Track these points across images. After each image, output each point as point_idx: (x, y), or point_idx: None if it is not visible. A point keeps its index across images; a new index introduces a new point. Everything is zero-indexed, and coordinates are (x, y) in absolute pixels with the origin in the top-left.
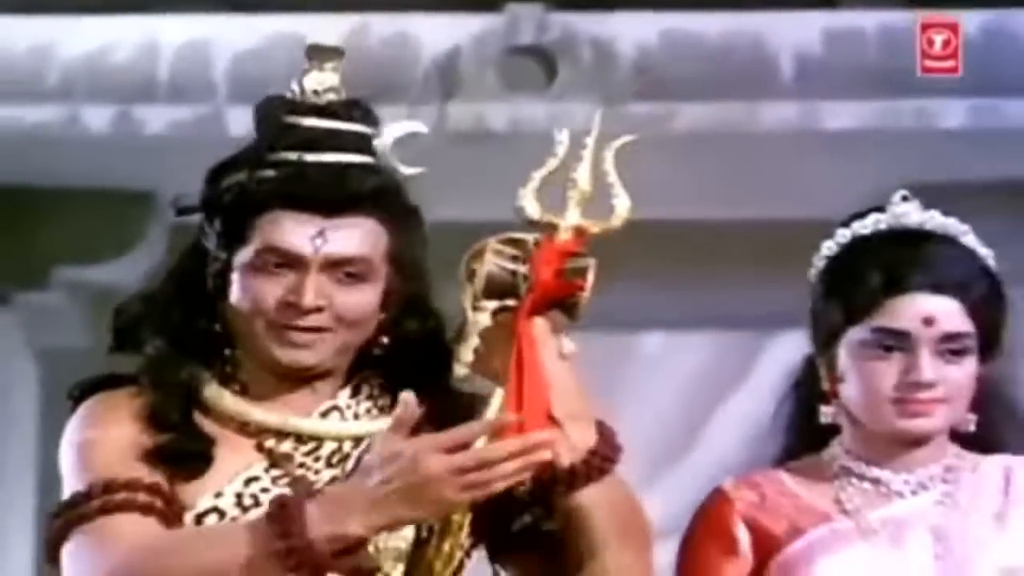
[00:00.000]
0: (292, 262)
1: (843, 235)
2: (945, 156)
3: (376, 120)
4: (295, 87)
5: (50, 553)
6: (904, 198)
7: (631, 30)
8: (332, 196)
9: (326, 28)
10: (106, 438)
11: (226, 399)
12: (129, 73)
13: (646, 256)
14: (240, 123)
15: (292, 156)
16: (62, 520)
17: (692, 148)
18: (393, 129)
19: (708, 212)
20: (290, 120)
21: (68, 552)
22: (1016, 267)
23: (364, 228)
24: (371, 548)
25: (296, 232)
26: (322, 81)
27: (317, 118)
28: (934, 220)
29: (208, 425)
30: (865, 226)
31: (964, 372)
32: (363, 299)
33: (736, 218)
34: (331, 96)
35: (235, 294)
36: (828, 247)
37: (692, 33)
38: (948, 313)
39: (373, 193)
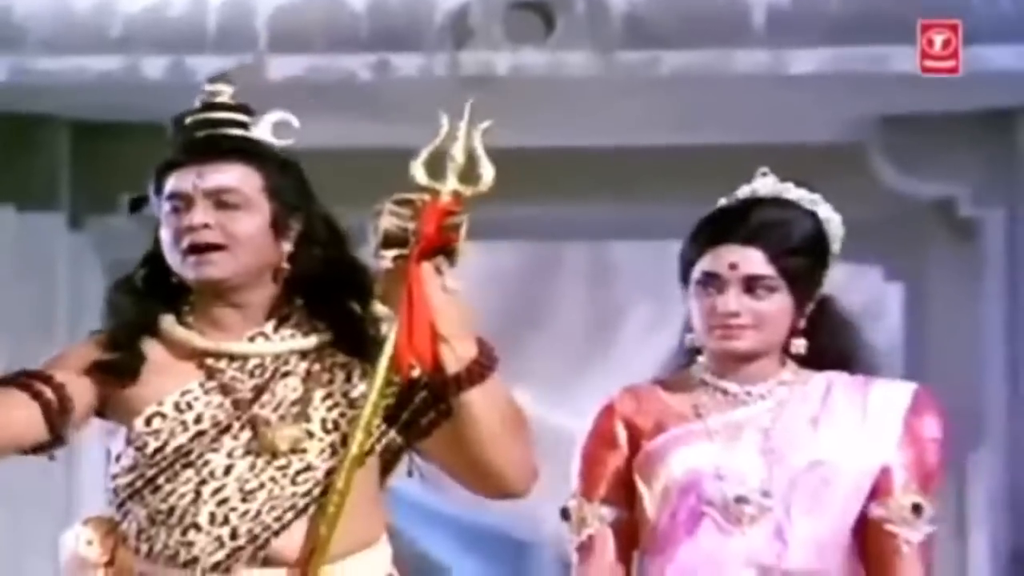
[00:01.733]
0: (184, 200)
1: (722, 201)
2: (889, 96)
3: (253, 112)
4: (196, 102)
5: None
6: (764, 174)
7: None
8: (205, 149)
9: None
10: (70, 352)
11: (177, 331)
12: (181, 26)
13: (640, 176)
14: (278, 70)
15: (184, 138)
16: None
17: (675, 89)
18: (271, 116)
19: (688, 140)
20: (185, 120)
21: None
22: (977, 193)
23: (234, 170)
24: (287, 430)
25: (182, 178)
26: (213, 93)
27: (203, 112)
28: (770, 188)
29: (160, 351)
30: (731, 197)
31: (770, 306)
32: (245, 221)
33: (713, 143)
34: (217, 98)
35: (164, 242)
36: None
37: None
38: (751, 260)
39: (240, 145)
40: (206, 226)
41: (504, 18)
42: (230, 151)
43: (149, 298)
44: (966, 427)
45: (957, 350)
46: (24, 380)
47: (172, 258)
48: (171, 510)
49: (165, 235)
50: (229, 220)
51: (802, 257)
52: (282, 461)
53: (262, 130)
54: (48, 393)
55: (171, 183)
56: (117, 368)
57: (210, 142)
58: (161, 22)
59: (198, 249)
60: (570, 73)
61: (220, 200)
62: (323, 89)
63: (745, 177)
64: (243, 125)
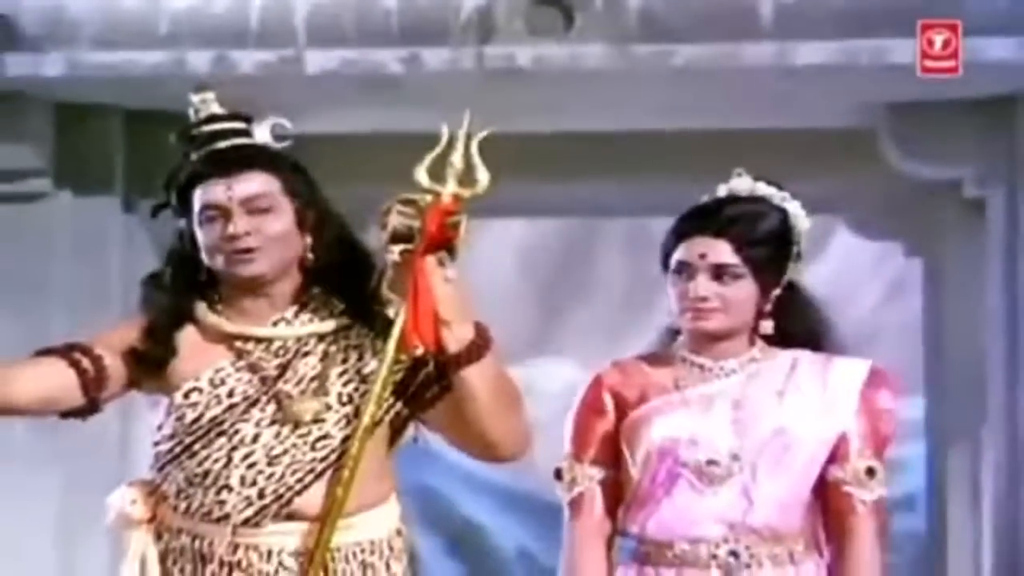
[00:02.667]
0: (219, 210)
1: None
2: (892, 85)
3: (250, 118)
4: (192, 111)
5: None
6: (739, 175)
7: None
8: (228, 164)
9: None
10: (113, 332)
11: (210, 317)
12: (224, 22)
13: (654, 158)
14: (316, 64)
15: (202, 151)
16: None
17: (687, 80)
18: (267, 122)
19: (698, 125)
20: (195, 132)
21: None
22: (980, 175)
23: (257, 178)
24: (308, 403)
25: (212, 191)
26: (207, 104)
27: (209, 125)
28: (745, 187)
29: (195, 334)
30: (710, 195)
31: (736, 291)
32: (276, 223)
33: (719, 128)
34: (214, 109)
35: (200, 246)
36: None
37: None
38: (719, 250)
39: (257, 153)
40: (247, 233)
41: (526, 14)
42: (249, 160)
43: (182, 291)
44: (978, 398)
45: (969, 323)
46: (66, 350)
47: (215, 260)
48: (206, 473)
49: (206, 240)
50: (262, 223)
51: (766, 248)
52: (303, 430)
53: (262, 134)
54: (85, 363)
55: (203, 195)
56: (149, 358)
57: (230, 154)
58: (205, 19)
59: (240, 251)
60: (588, 65)
61: (252, 207)
62: (356, 81)
63: (756, 159)
64: (246, 133)
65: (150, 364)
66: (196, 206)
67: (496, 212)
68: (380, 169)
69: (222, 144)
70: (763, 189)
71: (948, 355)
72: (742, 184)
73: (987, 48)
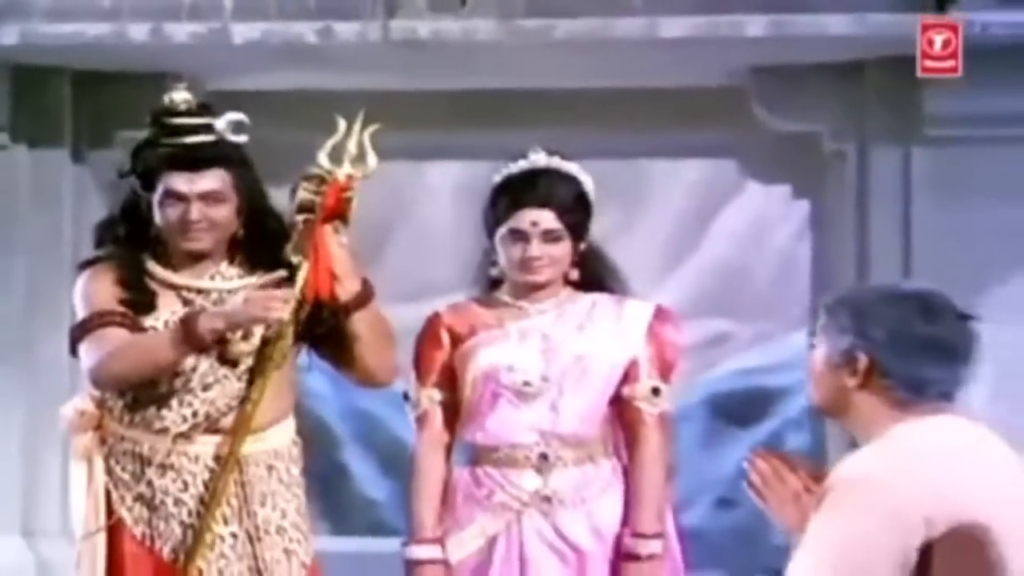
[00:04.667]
0: (180, 198)
1: (505, 171)
2: (751, 53)
3: (214, 112)
4: (166, 99)
5: (72, 351)
6: (535, 151)
7: None
8: (195, 162)
9: None
10: (98, 288)
11: (159, 271)
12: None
13: (547, 111)
14: (241, 35)
15: (173, 142)
16: (79, 331)
17: (568, 51)
18: (227, 116)
19: (573, 84)
20: (167, 121)
21: (82, 350)
22: (834, 128)
23: (215, 174)
24: (239, 347)
25: (178, 182)
26: (182, 97)
27: (181, 118)
28: (548, 161)
29: (150, 284)
30: (515, 167)
31: (559, 250)
32: (223, 212)
33: (612, 87)
34: (187, 104)
35: (159, 218)
36: (496, 177)
37: None
38: (546, 218)
39: (216, 156)
40: (200, 219)
41: None
42: (211, 160)
43: (136, 246)
44: None
45: (842, 261)
46: (119, 321)
47: (170, 233)
48: (151, 394)
49: (166, 219)
50: (213, 212)
51: (577, 214)
52: (232, 365)
53: (223, 127)
54: (128, 322)
55: (168, 183)
56: (139, 305)
57: (196, 152)
58: None
59: (192, 232)
60: (480, 38)
61: (207, 199)
62: (277, 49)
63: (642, 113)
64: (210, 128)
65: (139, 309)
66: (160, 188)
67: (398, 157)
68: (300, 120)
69: (190, 140)
70: (564, 164)
71: (829, 290)
72: (541, 159)
73: (828, 24)
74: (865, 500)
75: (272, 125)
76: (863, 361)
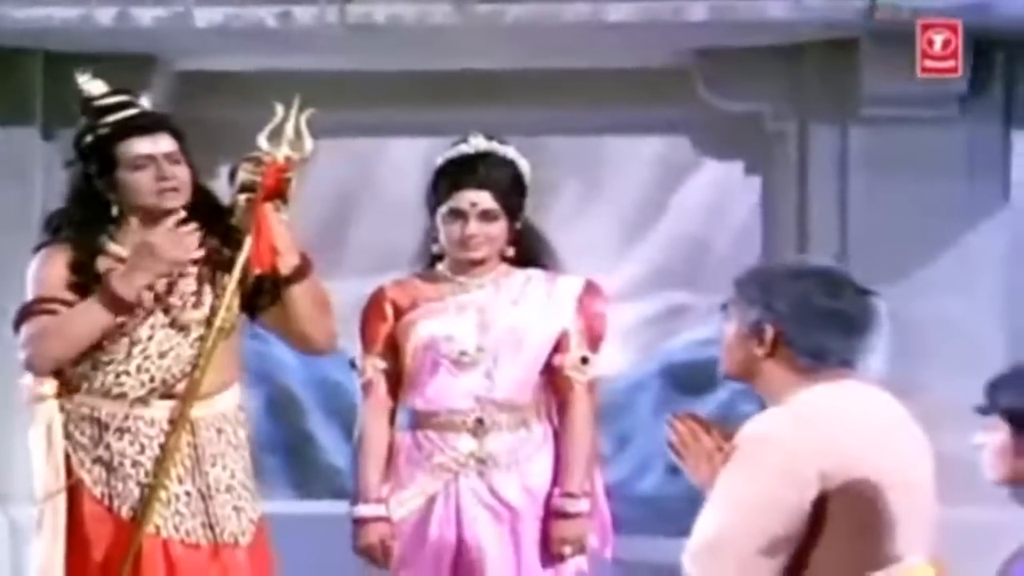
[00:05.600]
0: (149, 160)
1: (447, 154)
2: (694, 36)
3: (138, 95)
4: (84, 90)
5: (16, 330)
6: (473, 135)
7: None
8: (149, 126)
9: None
10: (49, 273)
11: (111, 246)
12: None
13: (501, 91)
14: (203, 19)
15: (119, 116)
16: (20, 314)
17: (517, 34)
18: (145, 97)
19: (525, 64)
20: (100, 103)
21: (23, 333)
22: (775, 109)
23: (167, 138)
24: (190, 313)
25: (142, 146)
26: (97, 84)
27: (108, 98)
28: (486, 145)
29: (105, 262)
30: (455, 151)
31: (496, 229)
32: (184, 173)
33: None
34: (106, 87)
35: (130, 186)
36: (439, 159)
37: None
38: (484, 199)
39: (163, 121)
40: (173, 177)
41: None
42: (161, 123)
43: (91, 227)
44: None
45: (787, 235)
46: (51, 308)
47: (144, 197)
48: (110, 362)
49: (138, 182)
50: (178, 171)
51: (513, 195)
52: (185, 333)
53: (146, 104)
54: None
55: (132, 148)
56: (92, 290)
57: (147, 119)
58: None
59: (168, 189)
60: (434, 21)
61: (171, 159)
62: (238, 32)
63: (587, 93)
64: (136, 103)
65: (84, 291)
66: (124, 156)
67: (355, 133)
68: (262, 100)
69: (132, 111)
70: (501, 148)
71: (779, 255)
72: (479, 142)
73: (768, 9)
74: (764, 457)
75: (236, 104)
76: (769, 332)
